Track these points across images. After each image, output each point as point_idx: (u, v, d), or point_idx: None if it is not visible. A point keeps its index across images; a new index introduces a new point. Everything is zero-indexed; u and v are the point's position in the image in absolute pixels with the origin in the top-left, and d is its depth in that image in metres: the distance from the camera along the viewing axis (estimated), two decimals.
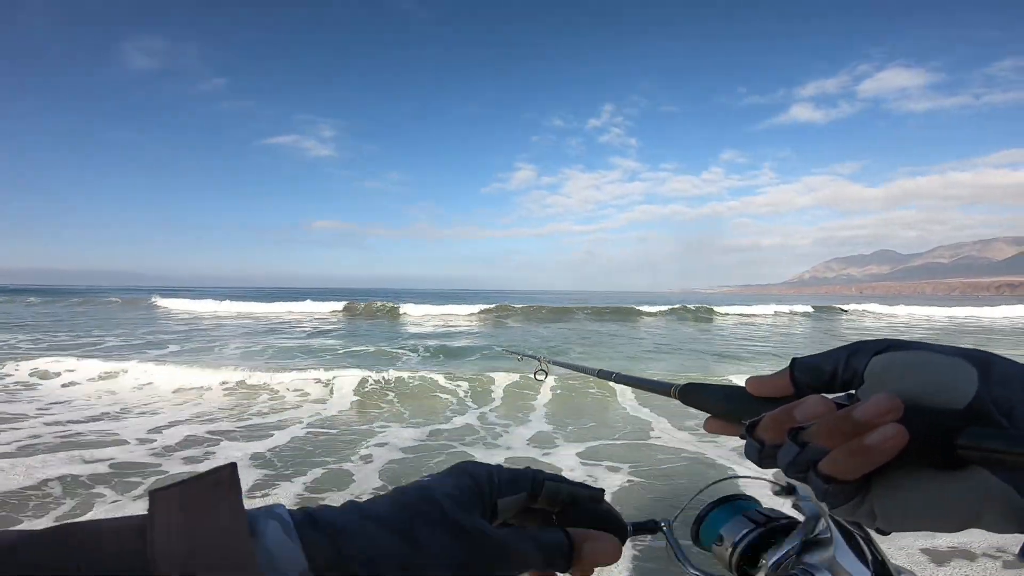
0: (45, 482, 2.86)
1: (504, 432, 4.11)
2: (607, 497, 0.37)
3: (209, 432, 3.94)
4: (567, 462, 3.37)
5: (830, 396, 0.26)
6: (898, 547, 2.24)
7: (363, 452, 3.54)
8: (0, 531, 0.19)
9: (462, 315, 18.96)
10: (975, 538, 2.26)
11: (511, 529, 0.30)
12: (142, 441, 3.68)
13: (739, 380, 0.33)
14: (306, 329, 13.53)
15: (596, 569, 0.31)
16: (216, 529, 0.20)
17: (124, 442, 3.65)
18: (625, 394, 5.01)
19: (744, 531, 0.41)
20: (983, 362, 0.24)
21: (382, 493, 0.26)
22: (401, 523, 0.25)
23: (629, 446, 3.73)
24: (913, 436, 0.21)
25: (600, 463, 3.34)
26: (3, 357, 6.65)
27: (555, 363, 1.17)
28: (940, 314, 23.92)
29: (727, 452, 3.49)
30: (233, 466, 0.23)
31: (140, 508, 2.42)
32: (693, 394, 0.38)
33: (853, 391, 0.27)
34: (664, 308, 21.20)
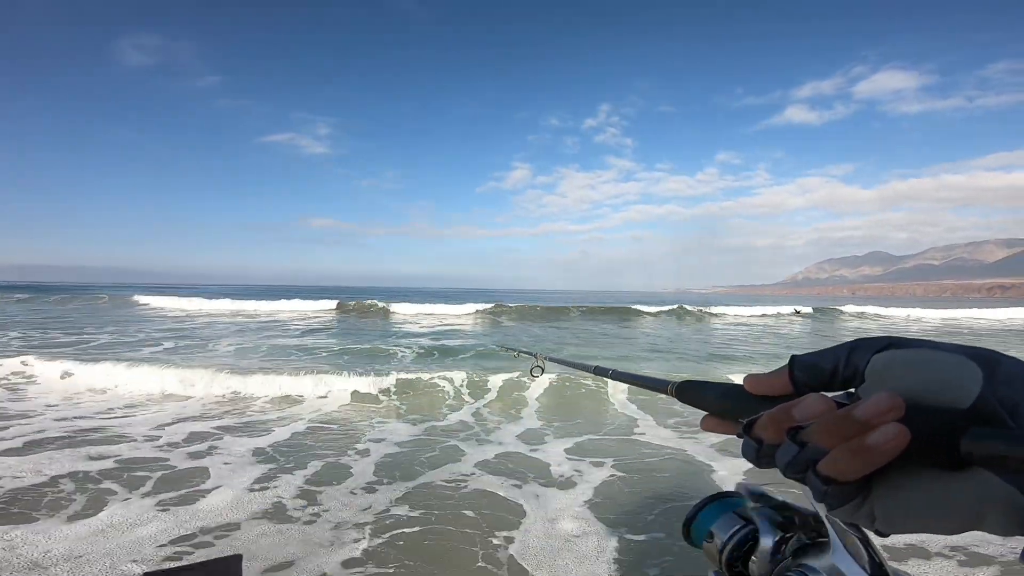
0: (56, 479, 3.00)
1: (496, 428, 4.31)
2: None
3: (212, 428, 4.10)
4: (554, 457, 3.57)
5: (830, 395, 0.25)
6: (895, 548, 2.28)
7: (360, 447, 3.73)
8: None
9: (457, 314, 19.11)
10: (974, 540, 2.28)
11: None
12: (147, 438, 3.84)
13: (736, 378, 0.33)
14: (300, 327, 13.63)
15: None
16: None
17: (129, 439, 3.81)
18: (615, 392, 5.22)
19: (734, 528, 0.41)
20: (988, 361, 0.23)
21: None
22: None
23: (615, 442, 3.94)
24: (915, 436, 0.20)
25: (585, 459, 3.55)
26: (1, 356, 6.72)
27: (551, 360, 1.16)
28: (938, 315, 24.33)
29: (706, 448, 3.71)
30: (237, 559, 0.20)
31: (148, 505, 2.58)
32: (690, 392, 0.37)
33: (853, 390, 0.27)
34: (660, 308, 21.42)
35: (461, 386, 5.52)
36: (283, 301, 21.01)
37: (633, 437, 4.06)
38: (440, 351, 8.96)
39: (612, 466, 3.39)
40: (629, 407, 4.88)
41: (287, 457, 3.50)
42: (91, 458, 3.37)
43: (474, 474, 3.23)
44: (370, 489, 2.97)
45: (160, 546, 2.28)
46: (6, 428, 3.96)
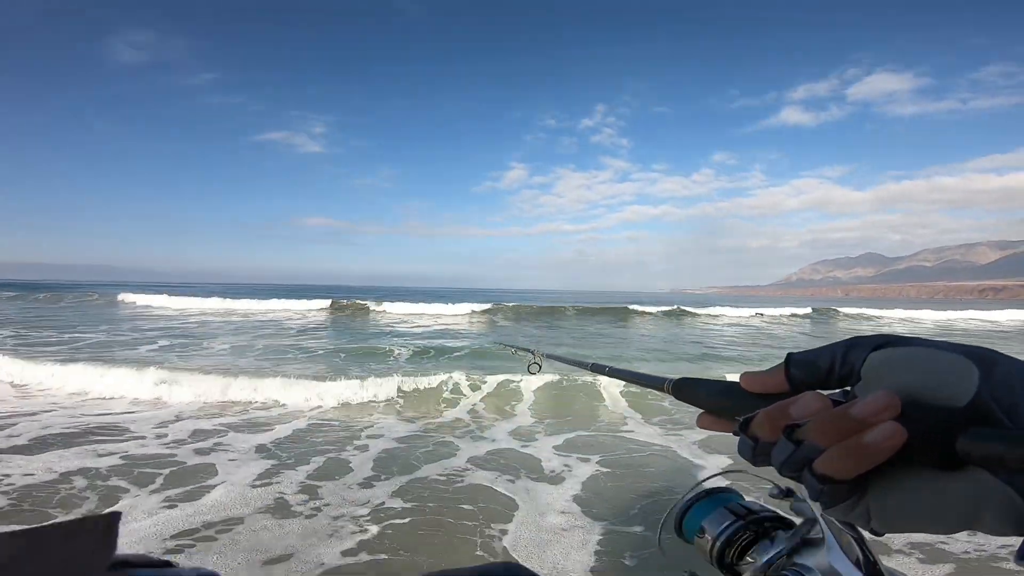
0: (67, 475, 3.12)
1: (491, 425, 4.48)
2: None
3: (216, 425, 4.23)
4: (543, 453, 3.75)
5: (826, 393, 0.25)
6: (890, 548, 2.32)
7: (359, 443, 3.89)
8: None
9: (453, 314, 19.22)
10: (970, 539, 2.32)
11: None
12: (154, 435, 3.97)
13: (733, 376, 0.32)
14: (294, 326, 13.71)
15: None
16: None
17: (136, 436, 3.94)
18: (606, 389, 5.38)
19: (725, 523, 0.41)
20: (985, 360, 0.23)
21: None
22: None
23: (602, 438, 4.12)
24: (911, 435, 0.21)
25: (572, 454, 3.73)
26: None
27: (549, 356, 1.16)
28: (931, 317, 24.70)
29: (689, 445, 3.90)
30: (111, 519, 0.19)
31: (157, 500, 2.72)
32: (686, 389, 0.37)
33: (849, 388, 0.27)
34: (658, 308, 21.54)
35: (456, 384, 5.68)
36: (276, 300, 21.03)
37: (621, 434, 4.25)
38: (435, 350, 9.12)
39: (599, 462, 3.58)
40: (620, 405, 5.07)
41: (289, 452, 3.65)
42: (99, 455, 3.50)
43: (468, 469, 3.41)
44: (368, 484, 3.13)
45: (171, 538, 2.42)
46: (14, 426, 4.07)
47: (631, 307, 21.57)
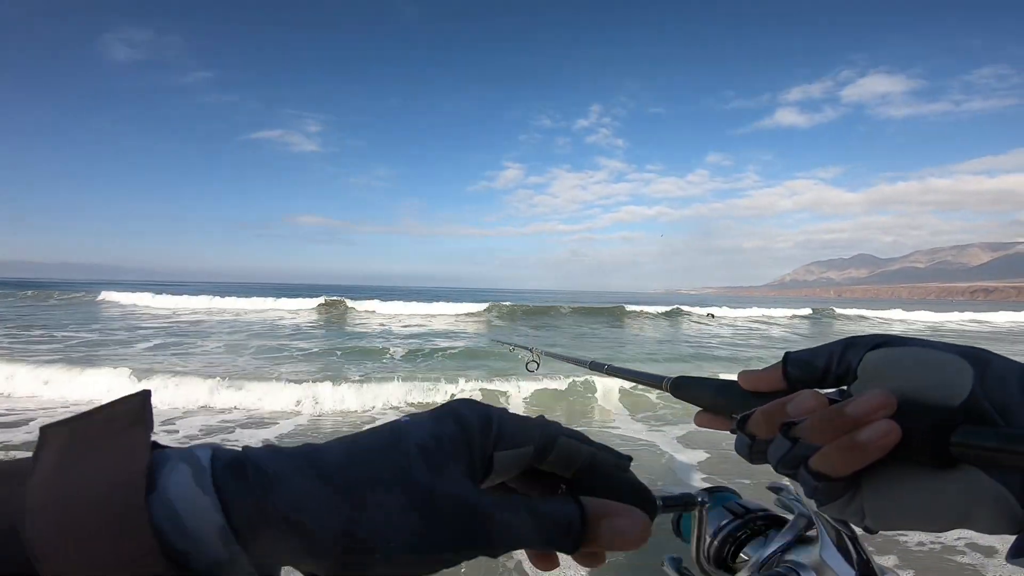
0: None
1: None
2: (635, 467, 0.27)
3: (222, 421, 4.44)
4: None
5: (823, 392, 0.26)
6: (885, 546, 2.38)
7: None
8: None
9: (449, 313, 19.40)
10: (963, 538, 2.38)
11: (502, 495, 0.22)
12: (164, 432, 4.16)
13: (731, 375, 0.33)
14: (289, 325, 13.86)
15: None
16: (102, 474, 0.16)
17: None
18: (598, 387, 5.57)
19: (723, 522, 0.42)
20: (980, 360, 0.23)
21: (351, 432, 0.21)
22: (350, 479, 0.19)
23: (589, 433, 4.37)
24: (906, 433, 0.21)
25: None
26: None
27: (547, 354, 1.17)
28: (923, 318, 25.10)
29: (671, 440, 4.20)
30: (144, 395, 0.20)
31: None
32: (684, 388, 0.37)
33: (846, 387, 0.27)
34: (654, 309, 21.58)
35: (451, 382, 5.90)
36: (270, 299, 20.94)
37: (607, 429, 4.53)
38: (431, 349, 9.32)
39: None
40: (610, 401, 5.32)
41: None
42: None
43: None
44: None
45: None
46: (26, 424, 4.26)
47: (627, 307, 21.67)
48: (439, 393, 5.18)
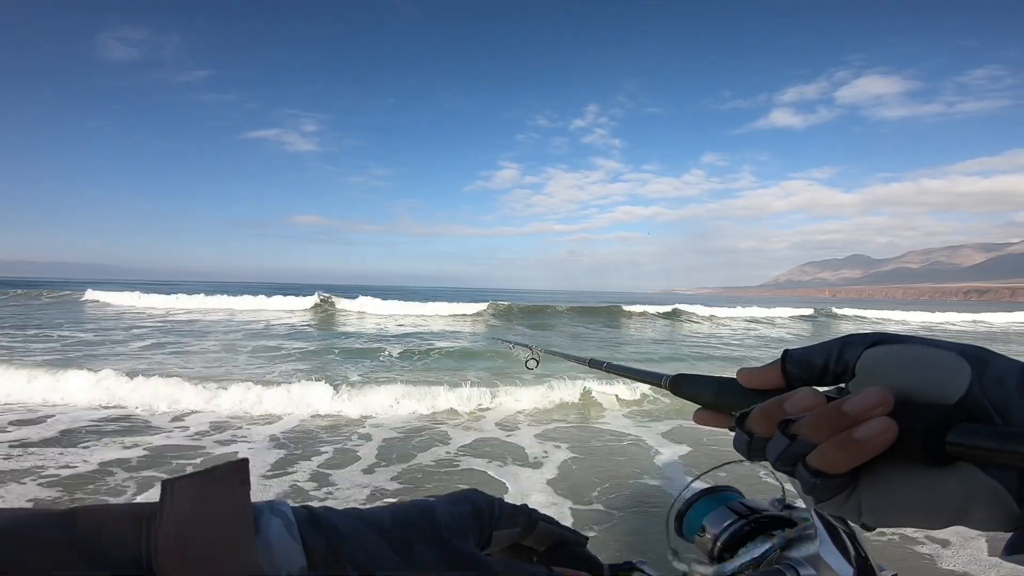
0: (106, 466, 3.51)
1: (480, 416, 4.95)
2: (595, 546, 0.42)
3: (229, 417, 4.64)
4: (524, 440, 4.27)
5: (822, 389, 0.26)
6: (881, 543, 2.43)
7: (362, 431, 4.35)
8: (12, 509, 0.21)
9: (446, 313, 19.55)
10: (959, 535, 2.44)
11: (500, 559, 0.34)
12: (175, 428, 4.37)
13: (730, 372, 0.33)
14: (285, 325, 14.00)
15: None
16: (222, 522, 0.22)
17: (158, 430, 4.33)
18: (589, 384, 5.75)
19: (727, 523, 0.43)
20: (978, 358, 0.24)
21: (386, 502, 0.43)
22: (399, 536, 0.28)
23: (578, 428, 4.67)
24: (903, 430, 0.21)
25: (549, 441, 4.27)
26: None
27: (547, 352, 1.19)
28: (917, 319, 25.38)
29: (655, 435, 4.48)
30: (245, 461, 0.26)
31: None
32: (684, 385, 0.38)
33: (844, 385, 0.28)
34: (655, 309, 21.62)
35: (452, 387, 6.09)
36: (265, 298, 20.83)
37: (596, 425, 4.80)
38: (427, 349, 9.53)
39: (573, 449, 4.12)
40: (601, 397, 5.52)
41: (297, 443, 4.14)
42: (124, 447, 3.90)
43: (460, 456, 3.95)
44: (370, 470, 3.59)
45: None
46: (42, 422, 4.44)
47: (625, 307, 21.76)
48: (438, 397, 5.32)
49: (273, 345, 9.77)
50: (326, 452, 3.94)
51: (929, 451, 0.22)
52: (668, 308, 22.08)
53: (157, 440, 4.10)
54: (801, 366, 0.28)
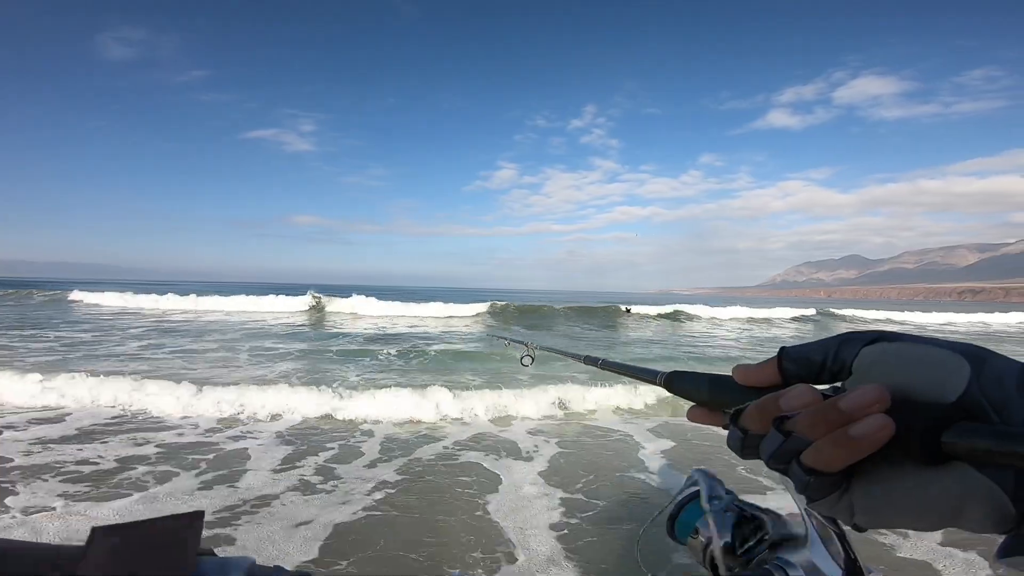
0: (125, 461, 3.74)
1: (476, 415, 5.23)
2: None
3: (235, 416, 4.88)
4: (517, 436, 4.58)
5: (819, 388, 0.26)
6: (868, 546, 2.46)
7: (364, 428, 4.63)
8: None
9: (444, 315, 19.76)
10: (950, 538, 2.47)
11: None
12: (186, 426, 4.63)
13: (726, 370, 0.33)
14: (282, 326, 14.20)
15: None
16: None
17: (169, 428, 4.58)
18: (580, 381, 5.99)
19: (723, 523, 0.43)
20: (976, 357, 0.23)
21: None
22: None
23: (568, 425, 4.97)
24: (899, 429, 0.21)
25: (540, 437, 4.61)
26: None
27: (542, 348, 1.20)
28: (911, 319, 25.81)
29: (642, 430, 4.79)
30: (196, 516, 0.22)
31: (205, 481, 3.38)
32: (679, 382, 0.37)
33: (841, 383, 0.27)
34: (655, 310, 21.70)
35: (444, 379, 6.37)
36: (260, 298, 20.90)
37: (585, 421, 5.08)
38: (425, 349, 9.81)
39: (562, 444, 4.42)
40: (593, 393, 5.78)
41: (303, 439, 4.39)
42: (136, 444, 4.14)
43: (458, 450, 4.26)
44: (373, 465, 3.86)
45: (223, 510, 3.10)
46: (61, 421, 4.67)
47: (622, 307, 21.90)
48: (435, 396, 5.56)
49: (270, 345, 10.02)
50: (331, 448, 4.21)
51: (926, 450, 0.22)
52: (668, 308, 22.08)
53: (169, 437, 4.36)
54: (798, 363, 0.29)
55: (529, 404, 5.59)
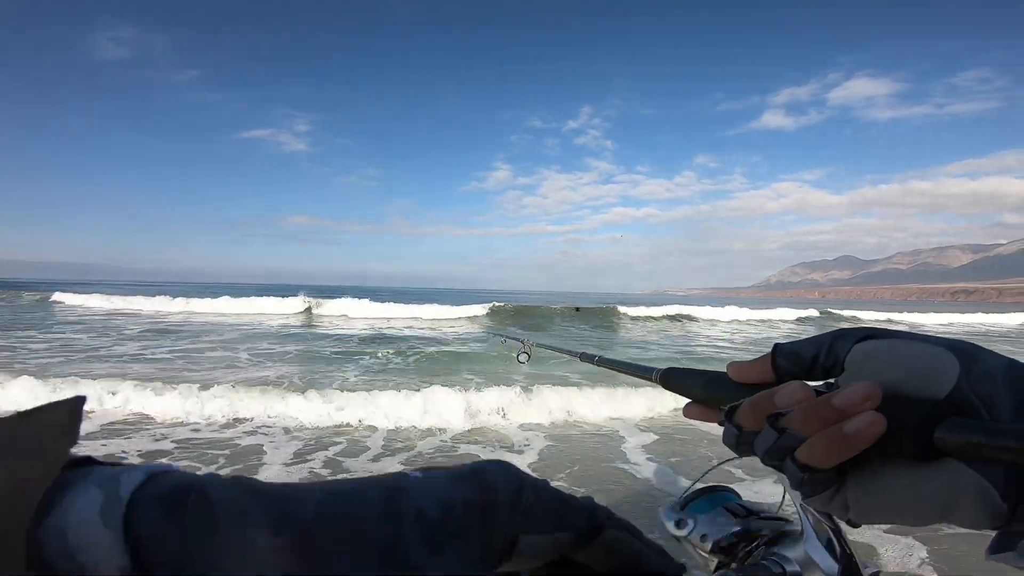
0: (149, 455, 4.09)
1: (474, 412, 5.59)
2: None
3: (242, 415, 5.22)
4: (510, 430, 4.97)
5: (812, 384, 0.26)
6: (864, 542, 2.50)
7: (367, 425, 5.05)
8: None
9: (441, 316, 20.00)
10: (941, 535, 2.51)
11: None
12: (202, 423, 5.00)
13: (721, 367, 0.34)
14: (275, 327, 14.46)
15: None
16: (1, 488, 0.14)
17: (182, 425, 4.91)
18: (574, 378, 6.35)
19: (724, 524, 0.44)
20: (966, 353, 0.24)
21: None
22: (315, 535, 0.16)
23: (559, 421, 5.35)
24: (891, 425, 0.21)
25: (531, 432, 5.01)
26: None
27: (539, 345, 1.21)
28: (907, 320, 26.17)
29: (628, 426, 5.21)
30: (74, 402, 0.17)
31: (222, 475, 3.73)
32: (674, 379, 0.38)
33: (834, 380, 0.28)
34: (646, 311, 21.90)
35: (441, 378, 6.73)
36: (254, 299, 21.15)
37: (573, 419, 5.49)
38: (422, 349, 10.15)
39: (552, 437, 4.85)
40: (585, 390, 6.14)
41: (310, 435, 4.74)
42: (156, 439, 4.48)
43: (456, 444, 4.65)
44: (377, 459, 4.24)
45: None
46: (87, 418, 4.98)
47: (620, 307, 22.02)
48: (434, 395, 5.92)
49: (267, 347, 10.33)
50: (338, 443, 4.60)
51: (917, 446, 0.22)
52: (671, 310, 22.07)
53: (184, 434, 4.69)
54: (791, 360, 0.29)
55: (523, 402, 5.96)
